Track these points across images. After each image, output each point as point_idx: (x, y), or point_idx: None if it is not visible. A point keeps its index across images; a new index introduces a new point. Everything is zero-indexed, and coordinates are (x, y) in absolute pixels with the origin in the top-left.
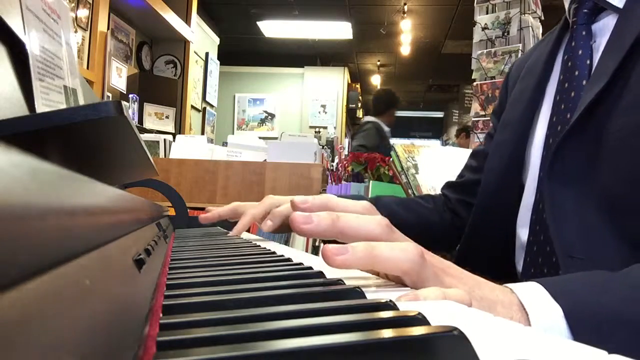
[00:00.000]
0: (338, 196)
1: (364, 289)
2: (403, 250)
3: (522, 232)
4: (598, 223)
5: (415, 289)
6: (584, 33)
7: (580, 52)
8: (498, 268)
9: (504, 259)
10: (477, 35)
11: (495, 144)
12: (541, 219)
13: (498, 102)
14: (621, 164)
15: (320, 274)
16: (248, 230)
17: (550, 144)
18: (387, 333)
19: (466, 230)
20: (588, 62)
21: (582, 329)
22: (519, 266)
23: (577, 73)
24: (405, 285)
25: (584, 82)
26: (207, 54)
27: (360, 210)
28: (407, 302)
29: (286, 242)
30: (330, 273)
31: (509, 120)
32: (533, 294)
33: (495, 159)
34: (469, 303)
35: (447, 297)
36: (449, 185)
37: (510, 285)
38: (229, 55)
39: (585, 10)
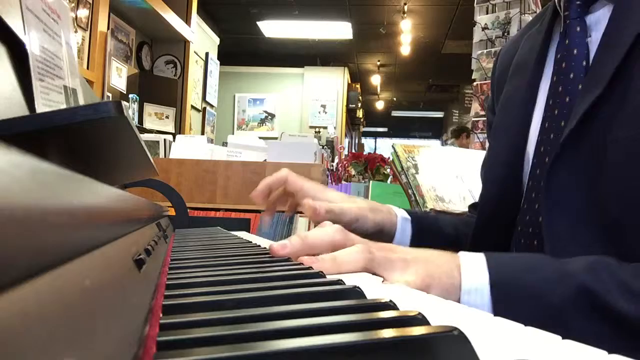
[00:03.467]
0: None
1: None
2: (356, 252)
3: (518, 243)
4: (595, 240)
5: (375, 274)
6: (578, 29)
7: (575, 51)
8: None
9: None
10: (477, 35)
11: (491, 153)
12: (537, 233)
13: (490, 98)
14: (617, 177)
15: (320, 274)
16: (248, 231)
17: (541, 152)
18: (387, 333)
19: (470, 236)
20: (584, 63)
21: (500, 297)
22: None
23: (572, 76)
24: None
25: (580, 87)
26: (207, 54)
27: (330, 233)
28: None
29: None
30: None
31: (502, 125)
32: (473, 260)
33: (493, 170)
34: (429, 281)
35: (410, 283)
36: (473, 207)
37: (460, 252)
38: (229, 55)
39: (578, 2)
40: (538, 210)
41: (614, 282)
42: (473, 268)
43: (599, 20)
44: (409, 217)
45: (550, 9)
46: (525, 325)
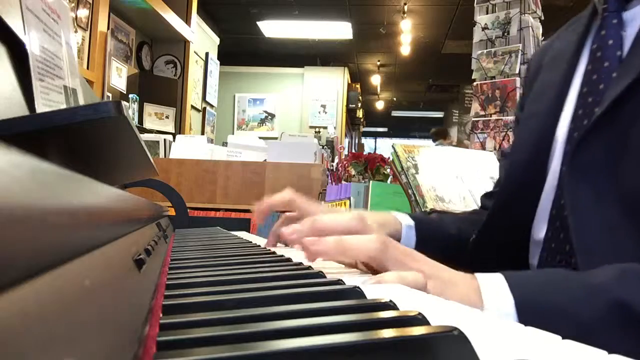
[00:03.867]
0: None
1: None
2: (368, 240)
3: (539, 228)
4: (619, 221)
5: (382, 271)
6: (614, 21)
7: (610, 42)
8: (509, 263)
9: (517, 255)
10: (477, 35)
11: (519, 137)
12: (562, 216)
13: (521, 97)
14: None
15: (320, 274)
16: (248, 231)
17: (574, 137)
18: (387, 333)
19: (484, 222)
20: (618, 53)
21: (529, 320)
22: (534, 262)
23: (606, 64)
24: (372, 272)
25: (614, 75)
26: (207, 54)
27: (346, 219)
28: (372, 285)
29: (286, 243)
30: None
31: (534, 111)
32: (492, 281)
33: (519, 152)
34: (424, 283)
35: (403, 278)
36: (487, 196)
37: (476, 274)
38: (229, 55)
39: None
40: (562, 190)
41: None
42: (495, 291)
43: (635, 17)
44: (412, 223)
45: (588, 10)
46: None
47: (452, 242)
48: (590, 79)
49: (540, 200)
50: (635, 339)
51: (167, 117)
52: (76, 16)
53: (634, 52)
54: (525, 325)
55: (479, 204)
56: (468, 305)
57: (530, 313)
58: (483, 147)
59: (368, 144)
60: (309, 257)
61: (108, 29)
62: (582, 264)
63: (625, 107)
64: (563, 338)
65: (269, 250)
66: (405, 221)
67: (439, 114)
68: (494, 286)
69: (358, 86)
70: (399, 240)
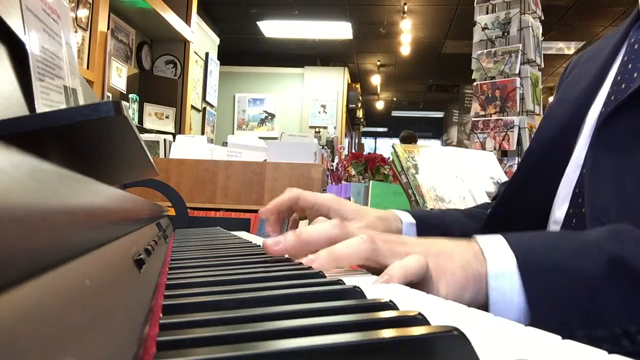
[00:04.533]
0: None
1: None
2: (356, 244)
3: (559, 207)
4: (634, 192)
5: (379, 266)
6: None
7: None
8: None
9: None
10: (477, 35)
11: (547, 117)
12: (584, 193)
13: (554, 97)
14: None
15: (320, 274)
16: (248, 231)
17: (602, 114)
18: (387, 333)
19: (500, 197)
20: None
21: (530, 276)
22: None
23: None
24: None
25: None
26: (207, 54)
27: (327, 228)
28: (375, 285)
29: None
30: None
31: (566, 96)
32: (493, 243)
33: (545, 130)
34: (425, 263)
35: (408, 268)
36: (505, 184)
37: (475, 235)
38: (229, 55)
39: None
40: (584, 170)
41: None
42: (497, 252)
43: None
44: (413, 221)
45: (631, 15)
46: (557, 302)
47: (455, 236)
48: (625, 68)
49: (563, 178)
50: (632, 294)
51: (167, 117)
52: (76, 16)
53: None
54: (527, 283)
55: (479, 204)
56: (468, 269)
57: (532, 270)
58: (483, 147)
59: (368, 144)
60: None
61: (108, 29)
62: (590, 228)
63: None
64: (562, 295)
65: (262, 246)
66: (406, 218)
67: (439, 114)
68: (495, 246)
69: (358, 86)
70: None
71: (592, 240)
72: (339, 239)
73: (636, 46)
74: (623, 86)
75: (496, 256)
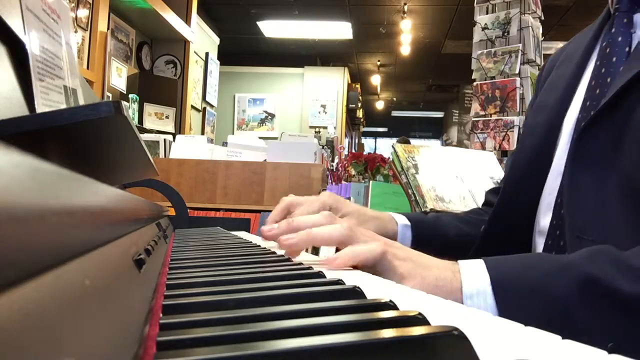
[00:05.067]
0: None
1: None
2: (334, 228)
3: (543, 217)
4: (614, 207)
5: (374, 268)
6: (625, 21)
7: (619, 38)
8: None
9: (523, 246)
10: (477, 35)
11: (528, 127)
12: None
13: (533, 96)
14: None
15: (320, 274)
16: (248, 231)
17: (580, 126)
18: (387, 333)
19: (491, 213)
20: (627, 49)
21: (504, 295)
22: (538, 251)
23: (614, 59)
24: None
25: (621, 69)
26: (207, 54)
27: (316, 216)
28: (371, 284)
29: None
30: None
31: (544, 104)
32: (472, 263)
33: (527, 141)
34: (379, 250)
35: (357, 251)
36: (492, 191)
37: (461, 260)
38: (229, 55)
39: None
40: (564, 178)
41: (615, 267)
42: (473, 272)
43: None
44: (409, 223)
45: (604, 12)
46: (531, 321)
47: (449, 242)
48: (599, 73)
49: (544, 188)
50: (606, 312)
51: (167, 117)
52: (76, 16)
53: None
54: (501, 303)
55: (479, 204)
56: (443, 283)
57: (505, 290)
58: (483, 147)
59: (368, 144)
60: (282, 245)
61: (108, 29)
62: (572, 246)
63: (630, 97)
64: (536, 314)
65: (269, 250)
66: (402, 221)
67: (439, 114)
68: (473, 268)
69: (358, 86)
70: (395, 239)
71: (568, 262)
72: (347, 241)
73: (608, 50)
74: (597, 91)
75: (472, 277)
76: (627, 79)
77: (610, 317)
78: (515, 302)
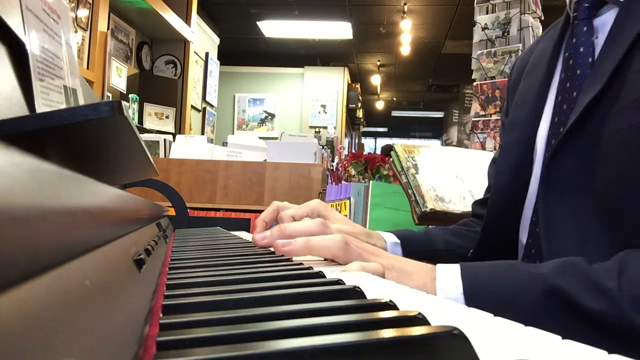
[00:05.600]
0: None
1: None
2: (331, 240)
3: (523, 235)
4: (592, 228)
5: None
6: (585, 29)
7: (581, 49)
8: None
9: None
10: (477, 35)
11: (504, 146)
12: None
13: (506, 102)
14: (616, 166)
15: (320, 274)
16: (248, 231)
17: (551, 145)
18: (387, 333)
19: (481, 230)
20: (590, 60)
21: (474, 304)
22: None
23: (579, 72)
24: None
25: (585, 83)
26: (207, 54)
27: (309, 225)
28: (368, 283)
29: None
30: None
31: (515, 120)
32: (448, 271)
33: (504, 161)
34: (382, 272)
35: (365, 267)
36: (478, 203)
37: (440, 265)
38: (229, 55)
39: (586, 5)
40: (537, 203)
41: (583, 282)
42: (448, 280)
43: (605, 23)
44: (398, 240)
45: (564, 16)
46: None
47: (439, 256)
48: (564, 87)
49: (524, 207)
50: (570, 325)
51: (167, 117)
52: (76, 16)
53: (602, 58)
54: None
55: (459, 222)
56: (422, 291)
57: (476, 299)
58: (483, 147)
59: (368, 144)
60: (279, 252)
61: (108, 29)
62: None
63: (596, 115)
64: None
65: (269, 250)
66: (390, 239)
67: (439, 114)
68: (448, 274)
69: (358, 86)
70: None
71: (537, 273)
72: (319, 235)
73: (571, 62)
74: (565, 107)
75: (446, 285)
76: (589, 97)
77: (573, 329)
78: (485, 310)
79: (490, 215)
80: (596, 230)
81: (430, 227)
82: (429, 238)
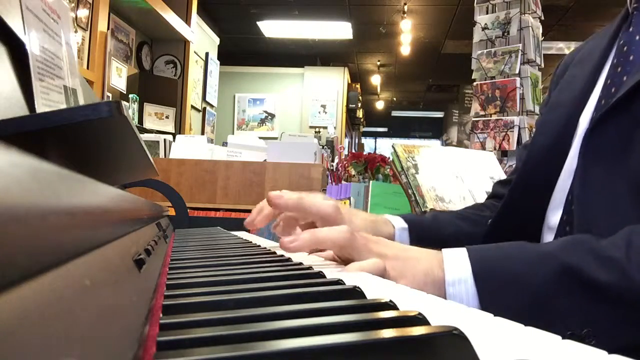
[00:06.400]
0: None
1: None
2: (337, 231)
3: (553, 214)
4: (623, 203)
5: (352, 258)
6: None
7: (637, 37)
8: None
9: (531, 241)
10: (477, 35)
11: (541, 123)
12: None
13: (547, 95)
14: None
15: (320, 274)
16: (248, 231)
17: (592, 120)
18: (387, 333)
19: (499, 208)
20: None
21: (484, 284)
22: None
23: (631, 58)
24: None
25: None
26: (207, 54)
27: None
28: (367, 283)
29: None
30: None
31: (559, 101)
32: (455, 254)
33: (541, 137)
34: (383, 267)
35: (363, 267)
36: (501, 183)
37: (445, 249)
38: (229, 55)
39: None
40: (576, 174)
41: (591, 255)
42: (456, 261)
43: None
44: (406, 225)
45: (621, 13)
46: (511, 308)
47: (448, 241)
48: (615, 72)
49: (557, 185)
50: (583, 299)
51: (167, 117)
52: (76, 16)
53: None
54: (482, 291)
55: (471, 205)
56: (430, 275)
57: (485, 279)
58: (483, 147)
59: (368, 144)
60: (287, 250)
61: (108, 29)
62: None
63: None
64: (515, 301)
65: (269, 250)
66: (399, 224)
67: (439, 114)
68: (456, 256)
69: (358, 86)
70: None
71: (546, 251)
72: (331, 219)
73: (625, 48)
74: (613, 90)
75: (454, 266)
76: (639, 78)
77: (587, 305)
78: (495, 290)
79: (517, 192)
80: (626, 203)
81: (438, 211)
82: (437, 223)
